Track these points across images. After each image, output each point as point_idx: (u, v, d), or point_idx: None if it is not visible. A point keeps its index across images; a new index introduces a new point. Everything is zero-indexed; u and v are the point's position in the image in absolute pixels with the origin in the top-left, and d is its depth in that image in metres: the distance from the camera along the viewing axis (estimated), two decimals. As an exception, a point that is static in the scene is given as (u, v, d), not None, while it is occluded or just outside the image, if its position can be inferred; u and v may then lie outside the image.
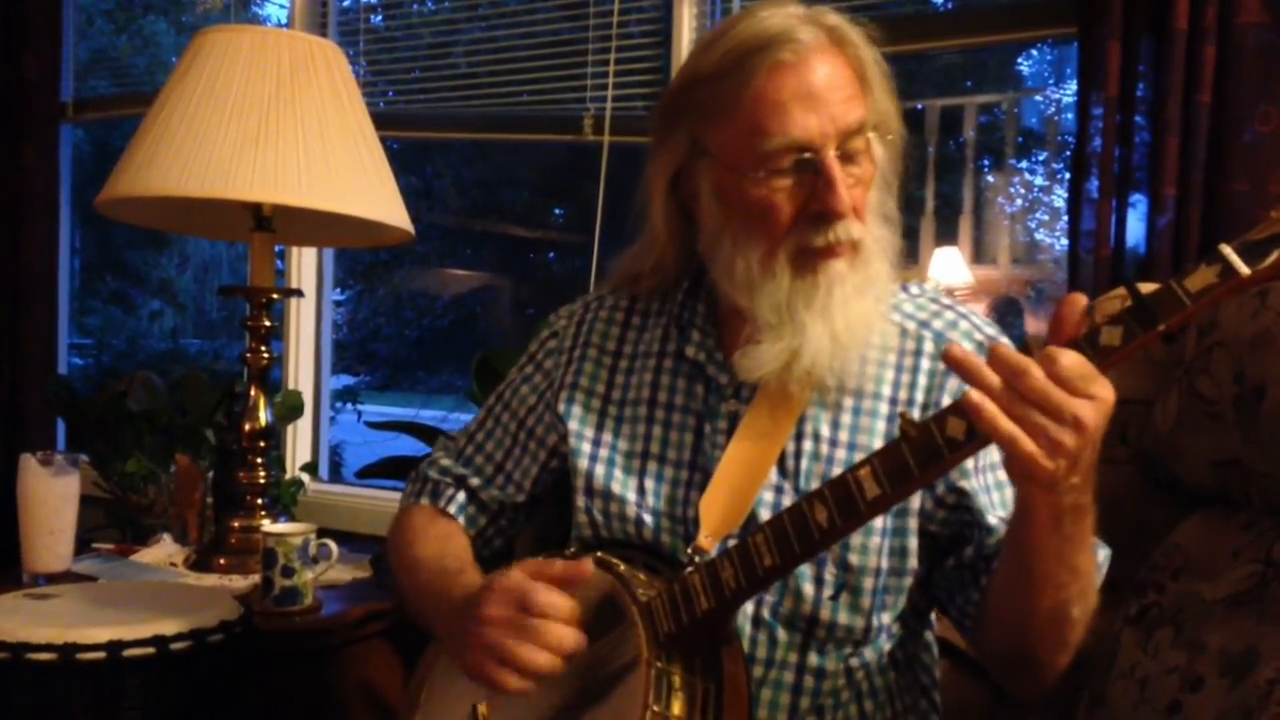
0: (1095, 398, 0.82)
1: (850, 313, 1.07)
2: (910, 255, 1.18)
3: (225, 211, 1.93)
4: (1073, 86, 1.84)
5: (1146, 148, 1.64)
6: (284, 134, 1.72)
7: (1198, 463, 1.23)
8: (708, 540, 1.08)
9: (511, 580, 1.00)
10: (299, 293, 2.09)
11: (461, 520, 1.30)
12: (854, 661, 1.11)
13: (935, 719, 1.20)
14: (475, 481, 1.31)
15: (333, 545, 1.74)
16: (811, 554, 0.97)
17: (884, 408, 1.12)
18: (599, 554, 1.09)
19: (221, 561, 1.86)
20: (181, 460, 2.13)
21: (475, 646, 0.99)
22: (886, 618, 1.12)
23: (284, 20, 2.82)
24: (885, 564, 1.10)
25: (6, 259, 2.85)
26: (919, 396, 1.13)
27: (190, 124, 1.72)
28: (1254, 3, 1.55)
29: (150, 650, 1.37)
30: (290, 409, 2.49)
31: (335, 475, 3.24)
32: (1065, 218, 1.72)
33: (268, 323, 1.89)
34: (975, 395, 0.82)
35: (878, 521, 1.08)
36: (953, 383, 1.12)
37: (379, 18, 2.81)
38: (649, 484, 1.17)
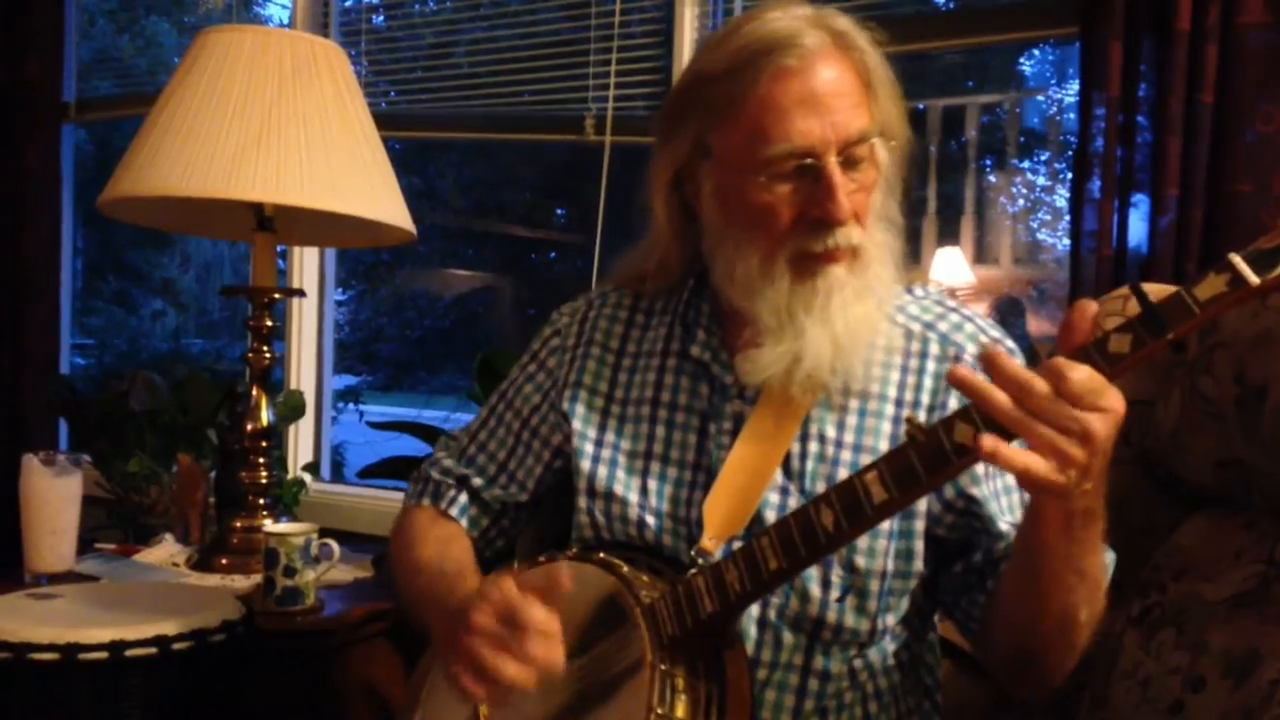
0: (1106, 410, 0.82)
1: (850, 317, 1.07)
2: (912, 255, 1.18)
3: (227, 211, 1.93)
4: (1075, 87, 1.84)
5: (1148, 148, 1.64)
6: (286, 134, 1.72)
7: (1200, 463, 1.23)
8: (711, 542, 1.07)
9: (500, 591, 0.97)
10: (301, 293, 2.09)
11: (463, 522, 1.29)
12: (858, 663, 1.11)
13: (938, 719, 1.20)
14: (478, 481, 1.31)
15: (334, 545, 1.74)
16: (817, 558, 0.97)
17: (889, 409, 1.12)
18: (602, 555, 1.09)
19: (223, 561, 1.86)
20: (183, 460, 2.13)
21: (457, 654, 0.97)
22: (891, 620, 1.12)
23: (286, 20, 2.83)
24: (892, 567, 1.10)
25: (8, 259, 2.85)
26: (924, 398, 1.13)
27: (192, 124, 1.72)
28: (1256, 3, 1.55)
29: (152, 650, 1.37)
30: (292, 409, 2.49)
31: (337, 475, 3.24)
32: (1067, 218, 1.72)
33: (270, 323, 1.89)
34: (989, 440, 0.81)
35: (884, 524, 1.07)
36: (958, 385, 1.12)
37: (380, 18, 2.81)
38: (652, 485, 1.17)
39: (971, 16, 2.15)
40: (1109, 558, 1.06)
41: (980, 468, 1.09)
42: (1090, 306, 0.85)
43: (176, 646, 1.39)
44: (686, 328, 1.22)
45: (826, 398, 1.12)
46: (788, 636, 1.10)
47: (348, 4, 2.79)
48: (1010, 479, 1.12)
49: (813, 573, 1.08)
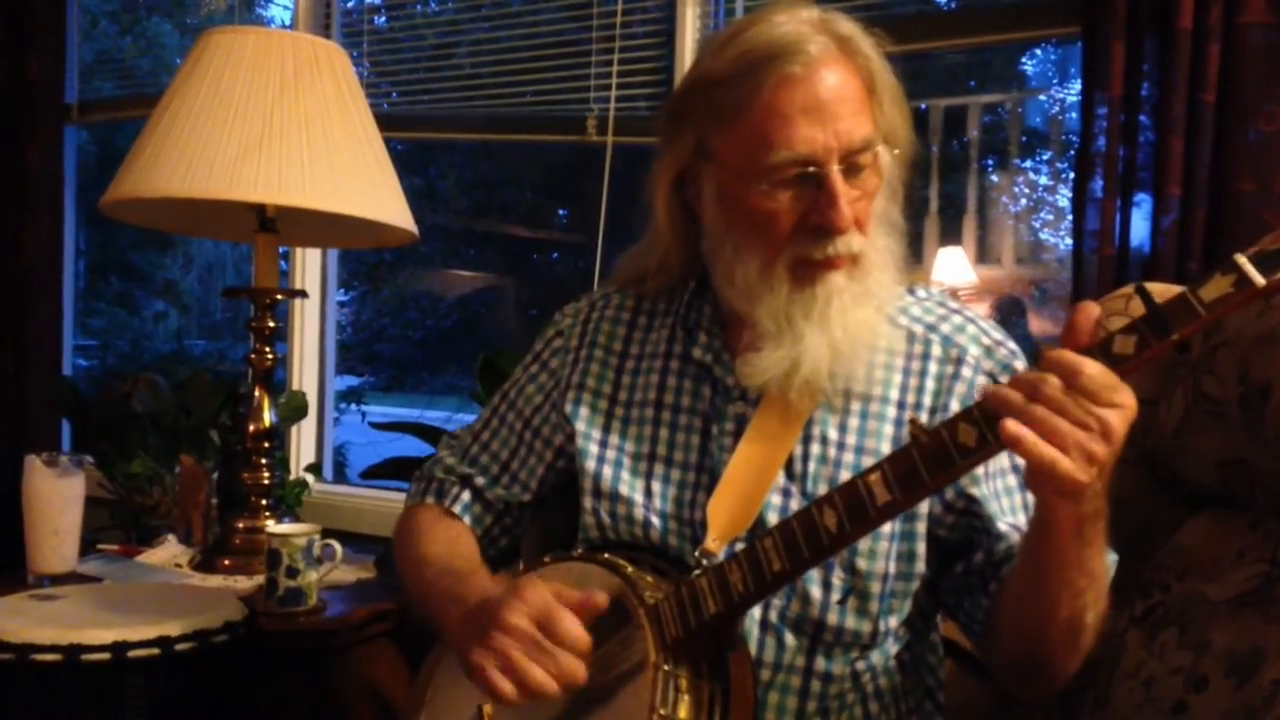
0: (1122, 406, 0.83)
1: (849, 322, 1.07)
2: (914, 256, 1.18)
3: (229, 213, 1.93)
4: (1077, 86, 1.84)
5: (1151, 147, 1.64)
6: (288, 135, 1.72)
7: (1203, 463, 1.23)
8: (715, 543, 1.07)
9: (540, 596, 0.98)
10: (303, 294, 2.09)
11: (467, 520, 1.29)
12: (860, 665, 1.11)
13: (940, 720, 1.20)
14: (481, 481, 1.31)
15: (337, 546, 1.74)
16: (820, 559, 0.96)
17: (892, 411, 1.12)
18: (606, 555, 1.09)
19: (226, 562, 1.86)
20: (186, 461, 2.13)
21: (486, 648, 0.97)
22: (893, 621, 1.12)
23: (288, 22, 2.83)
24: (893, 568, 1.10)
25: (11, 260, 2.85)
26: (926, 400, 1.13)
27: (194, 125, 1.72)
28: (1259, 2, 1.55)
29: (155, 651, 1.37)
30: (294, 410, 2.49)
31: (339, 476, 3.23)
32: (1070, 217, 1.72)
33: (272, 324, 1.89)
34: (1013, 425, 0.82)
35: (886, 526, 1.07)
36: (960, 387, 1.12)
37: (382, 19, 2.82)
38: (656, 486, 1.17)
39: (973, 16, 2.14)
40: (1112, 558, 1.06)
41: (980, 468, 1.09)
42: (1093, 308, 0.85)
43: (179, 647, 1.39)
44: (688, 330, 1.22)
45: (828, 400, 1.12)
46: (790, 638, 1.10)
47: (350, 5, 2.80)
48: (1011, 480, 1.12)
49: (814, 575, 1.08)
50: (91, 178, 3.88)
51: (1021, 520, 1.11)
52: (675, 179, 1.15)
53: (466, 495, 1.31)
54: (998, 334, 1.18)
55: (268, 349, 1.89)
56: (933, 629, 1.21)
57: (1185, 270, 1.59)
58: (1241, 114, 1.57)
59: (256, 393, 1.90)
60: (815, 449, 1.12)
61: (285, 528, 1.69)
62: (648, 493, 1.17)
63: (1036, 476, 0.84)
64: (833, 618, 1.09)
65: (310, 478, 2.54)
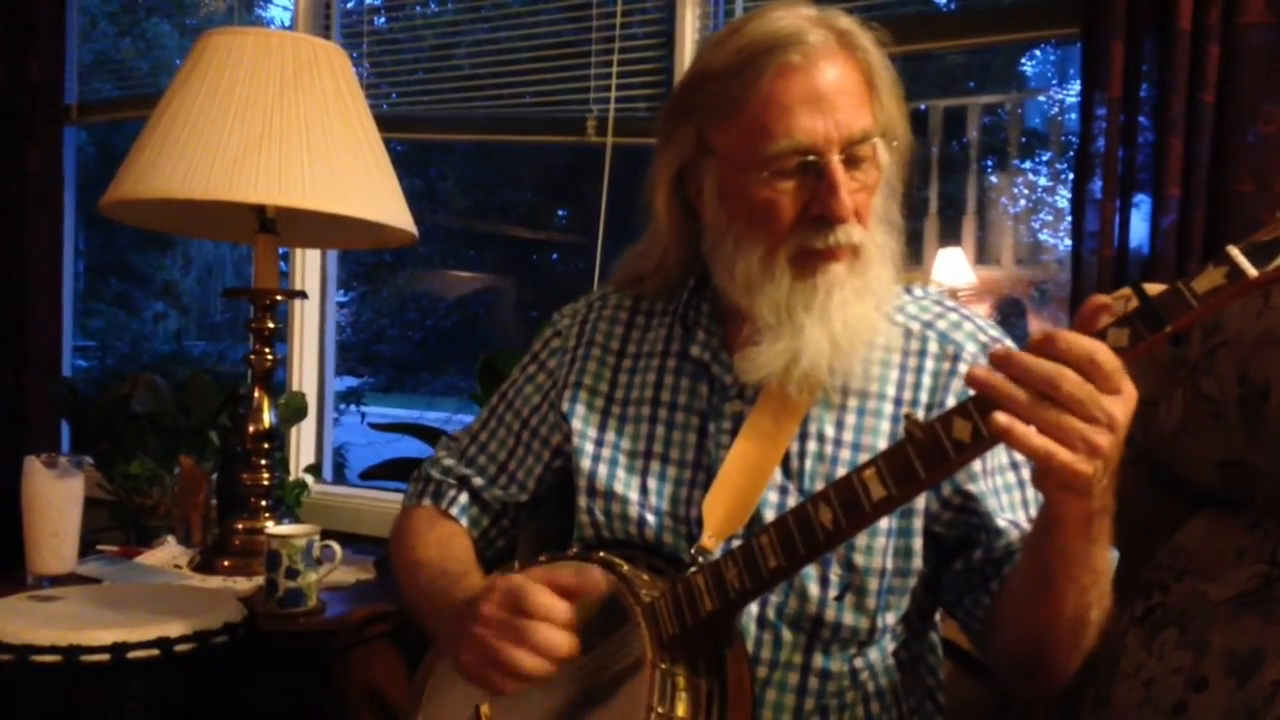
0: (1125, 392, 0.81)
1: (849, 316, 1.07)
2: (914, 256, 1.19)
3: (229, 214, 1.93)
4: (1076, 87, 1.84)
5: (1150, 148, 1.64)
6: (287, 136, 1.72)
7: (1202, 463, 1.23)
8: (711, 541, 1.07)
9: (511, 581, 0.99)
10: (303, 294, 2.09)
11: (464, 521, 1.30)
12: (859, 662, 1.11)
13: (940, 720, 1.20)
14: (478, 481, 1.31)
15: (336, 547, 1.74)
16: (816, 555, 0.96)
17: (888, 408, 1.12)
18: (602, 554, 1.09)
19: (225, 563, 1.86)
20: (185, 462, 2.13)
21: (469, 646, 0.98)
22: (891, 618, 1.12)
23: (287, 22, 2.83)
24: (890, 564, 1.10)
25: (11, 261, 2.85)
26: (923, 397, 1.13)
27: (194, 126, 1.72)
28: (1258, 3, 1.55)
29: (154, 652, 1.37)
30: (294, 411, 2.49)
31: (339, 477, 3.23)
32: (1069, 218, 1.72)
33: (271, 325, 1.89)
34: (1002, 418, 0.80)
35: (883, 522, 1.07)
36: (956, 383, 1.12)
37: (382, 20, 2.82)
38: (652, 484, 1.17)
39: (973, 17, 2.15)
40: (1114, 554, 1.06)
41: (978, 464, 1.09)
42: (1101, 298, 0.85)
43: (178, 648, 1.39)
44: (686, 328, 1.22)
45: (825, 397, 1.12)
46: (787, 635, 1.10)
47: (349, 6, 2.80)
48: (1011, 476, 1.12)
49: (811, 571, 1.08)
50: (91, 179, 3.88)
51: (1021, 517, 1.11)
52: (675, 176, 1.16)
53: (464, 497, 1.31)
54: (994, 331, 1.18)
55: (267, 350, 1.89)
56: (932, 628, 1.21)
57: (1184, 271, 1.59)
58: (1241, 115, 1.57)
59: (256, 394, 1.90)
60: (812, 446, 1.12)
61: (285, 529, 1.69)
62: (643, 490, 1.17)
63: (1040, 473, 0.84)
64: (830, 614, 1.09)
65: (310, 479, 2.54)
